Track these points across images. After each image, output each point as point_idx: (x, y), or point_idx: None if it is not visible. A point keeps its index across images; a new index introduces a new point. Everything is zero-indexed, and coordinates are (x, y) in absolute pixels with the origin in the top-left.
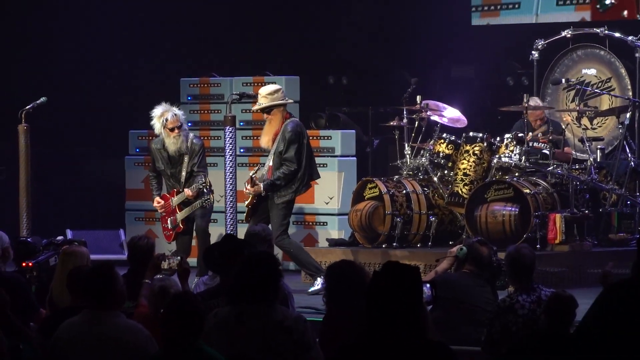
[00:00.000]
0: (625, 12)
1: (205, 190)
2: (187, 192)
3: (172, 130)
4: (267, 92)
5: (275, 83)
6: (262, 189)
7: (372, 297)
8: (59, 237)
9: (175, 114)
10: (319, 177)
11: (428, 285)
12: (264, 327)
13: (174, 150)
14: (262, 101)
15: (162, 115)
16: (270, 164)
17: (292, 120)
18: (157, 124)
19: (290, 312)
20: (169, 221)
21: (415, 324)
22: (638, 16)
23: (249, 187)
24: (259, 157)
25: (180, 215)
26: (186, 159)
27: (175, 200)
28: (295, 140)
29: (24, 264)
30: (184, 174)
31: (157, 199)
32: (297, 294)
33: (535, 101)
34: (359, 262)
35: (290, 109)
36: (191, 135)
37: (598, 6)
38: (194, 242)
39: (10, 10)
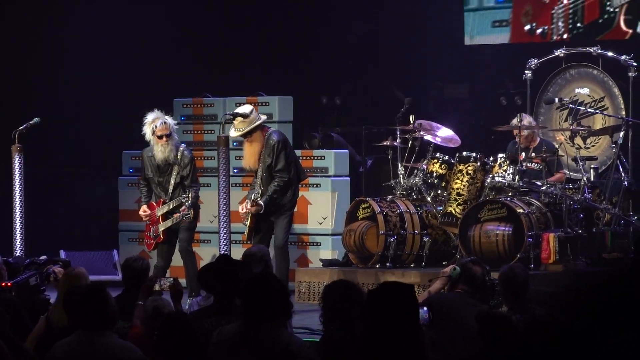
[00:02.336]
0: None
1: (187, 204)
2: (170, 205)
3: (160, 137)
4: (241, 120)
5: (265, 102)
6: (262, 206)
7: (368, 316)
8: (42, 257)
9: (165, 122)
10: (306, 177)
11: (426, 308)
12: (269, 348)
13: (161, 159)
14: (241, 126)
15: (152, 121)
16: (260, 184)
17: (274, 131)
18: (147, 130)
19: (296, 338)
20: (151, 230)
21: (412, 344)
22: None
23: (248, 206)
24: (252, 178)
25: (161, 226)
26: (175, 169)
27: (160, 210)
28: (282, 148)
29: (2, 284)
30: (172, 183)
31: (144, 207)
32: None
33: (527, 119)
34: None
35: (284, 129)
36: (182, 146)
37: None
38: (176, 258)
39: (4, 31)
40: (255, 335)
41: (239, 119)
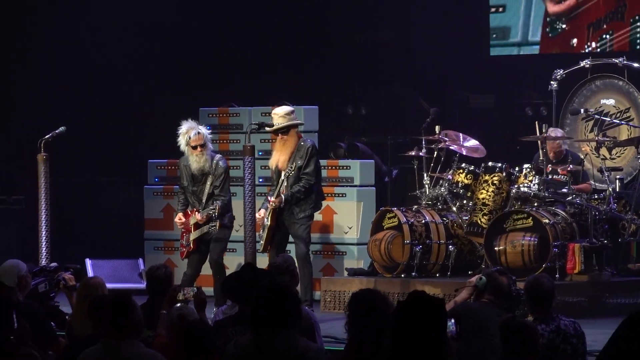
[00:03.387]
0: (575, 41)
1: (214, 216)
2: (197, 216)
3: (194, 148)
4: (284, 112)
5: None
6: (283, 200)
7: (395, 327)
8: (53, 264)
9: (199, 132)
10: (324, 198)
11: (453, 320)
12: (284, 357)
13: (196, 169)
14: (280, 121)
15: (186, 132)
16: (286, 183)
17: (309, 139)
18: (182, 141)
19: (311, 344)
20: (184, 238)
21: (439, 357)
22: (586, 47)
23: (272, 198)
24: None
25: (192, 235)
26: (209, 178)
27: (192, 219)
28: (314, 154)
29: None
30: (206, 192)
31: (180, 215)
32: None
33: (555, 132)
34: None
35: (309, 139)
36: (217, 156)
37: (548, 29)
38: (206, 268)
39: (31, 40)
40: (270, 345)
41: (280, 113)
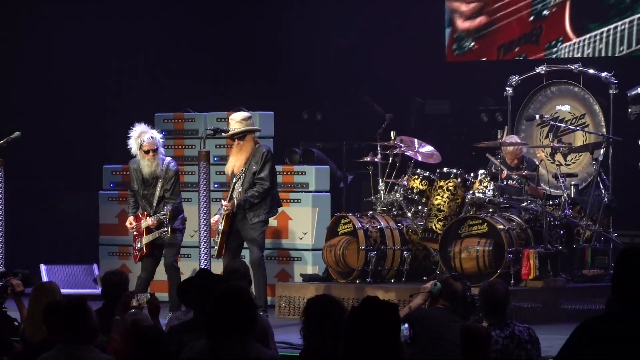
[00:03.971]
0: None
1: (165, 221)
2: (149, 220)
3: (147, 152)
4: (241, 118)
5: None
6: (236, 204)
7: (349, 332)
8: (1, 270)
9: (152, 137)
10: (280, 205)
11: (407, 325)
12: None
13: (147, 173)
14: (236, 127)
15: (139, 136)
16: (240, 188)
17: (265, 145)
18: (133, 145)
19: (265, 350)
20: (137, 242)
21: None
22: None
23: (225, 202)
24: None
25: (144, 240)
26: (160, 182)
27: (144, 223)
28: (270, 159)
29: None
30: (156, 196)
31: (130, 218)
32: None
33: (513, 139)
34: None
35: (265, 144)
36: (168, 159)
37: (454, 47)
38: (161, 274)
39: None
40: (224, 349)
41: (237, 118)
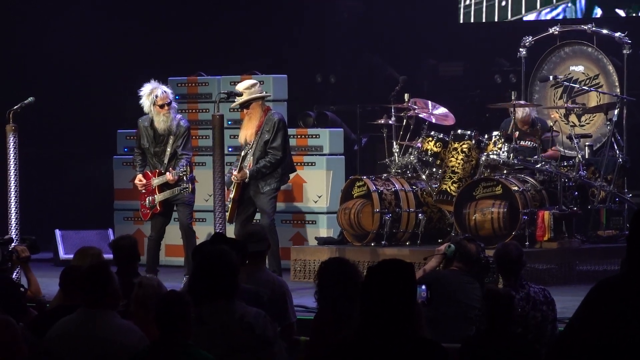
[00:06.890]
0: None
1: (185, 178)
2: (168, 176)
3: (162, 107)
4: (244, 87)
5: (260, 82)
6: (247, 174)
7: (366, 293)
8: (7, 237)
9: (165, 91)
10: (295, 171)
11: (424, 286)
12: (225, 325)
13: (162, 129)
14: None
15: (151, 92)
16: (251, 157)
17: (277, 112)
18: (146, 102)
19: (250, 309)
20: (147, 200)
21: (409, 322)
22: None
23: (235, 172)
24: None
25: (159, 197)
26: (171, 139)
27: (156, 181)
28: (282, 128)
29: None
30: (167, 153)
31: (139, 176)
32: None
33: (523, 110)
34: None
35: (279, 108)
36: (178, 116)
37: (466, 7)
38: (174, 238)
39: None
40: (209, 315)
41: (240, 88)
